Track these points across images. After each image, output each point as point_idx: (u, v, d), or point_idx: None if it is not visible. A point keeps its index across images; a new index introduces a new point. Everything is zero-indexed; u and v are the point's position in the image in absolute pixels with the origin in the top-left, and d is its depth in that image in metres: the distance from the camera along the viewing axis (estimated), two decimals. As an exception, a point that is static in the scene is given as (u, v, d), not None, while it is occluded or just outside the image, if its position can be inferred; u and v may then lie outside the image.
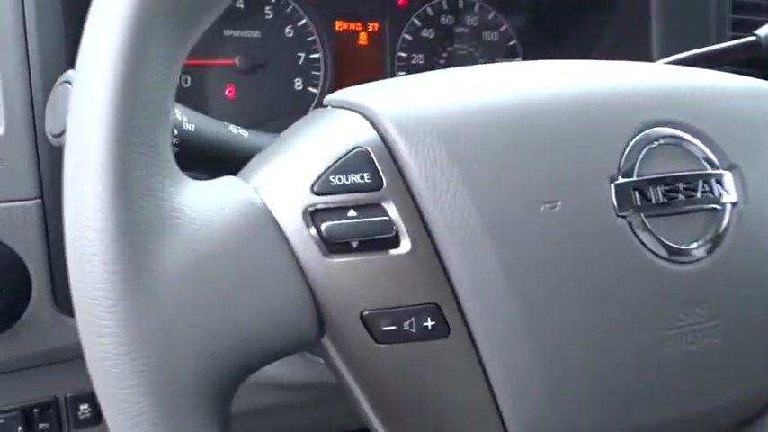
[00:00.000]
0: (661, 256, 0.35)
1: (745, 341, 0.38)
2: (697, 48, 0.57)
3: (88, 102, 0.28)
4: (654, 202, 0.35)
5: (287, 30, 0.73)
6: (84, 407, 0.62)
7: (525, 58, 0.81)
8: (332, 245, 0.32)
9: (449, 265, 0.33)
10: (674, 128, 0.37)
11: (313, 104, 0.74)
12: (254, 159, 0.35)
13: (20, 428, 0.66)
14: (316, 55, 0.74)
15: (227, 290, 0.30)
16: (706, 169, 0.37)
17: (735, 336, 0.37)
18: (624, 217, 0.35)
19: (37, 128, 0.52)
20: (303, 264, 0.32)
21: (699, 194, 0.36)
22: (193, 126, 0.44)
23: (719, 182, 0.37)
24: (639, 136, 0.36)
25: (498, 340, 0.33)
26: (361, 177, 0.32)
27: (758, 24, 0.57)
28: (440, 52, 0.78)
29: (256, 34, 0.72)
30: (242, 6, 0.71)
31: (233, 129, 0.48)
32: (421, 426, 0.34)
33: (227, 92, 0.72)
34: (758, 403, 0.40)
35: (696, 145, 0.37)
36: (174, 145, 0.43)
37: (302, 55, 0.74)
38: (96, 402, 0.32)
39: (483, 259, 0.33)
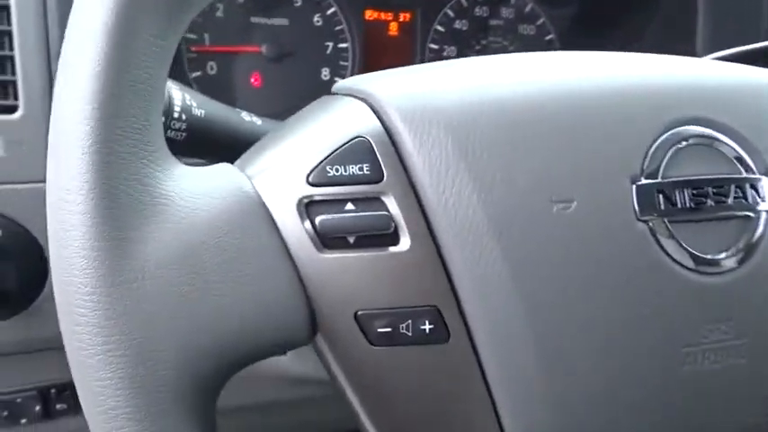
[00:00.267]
0: (685, 266, 0.33)
1: None
2: (744, 45, 0.53)
3: (71, 80, 0.27)
4: (680, 206, 0.33)
5: (315, 18, 0.71)
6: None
7: (562, 54, 0.78)
8: (327, 239, 0.30)
9: (451, 266, 0.31)
10: (706, 126, 0.34)
11: (339, 95, 0.73)
12: (253, 147, 0.34)
13: (37, 408, 0.66)
14: (344, 44, 0.72)
15: (213, 282, 0.28)
16: (740, 173, 0.34)
17: (762, 356, 0.34)
18: (645, 222, 0.32)
19: (55, 110, 0.52)
20: (296, 258, 0.30)
21: (730, 200, 0.33)
22: (203, 112, 0.43)
23: (754, 187, 0.34)
24: (667, 134, 0.33)
25: (501, 348, 0.31)
26: (360, 169, 0.30)
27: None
28: (473, 45, 0.76)
29: (284, 22, 0.70)
30: (270, -7, 0.70)
31: (245, 116, 0.47)
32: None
33: (252, 80, 0.71)
34: None
35: (730, 146, 0.34)
36: (182, 130, 0.42)
37: (330, 44, 0.72)
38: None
39: (488, 261, 0.30)
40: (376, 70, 0.74)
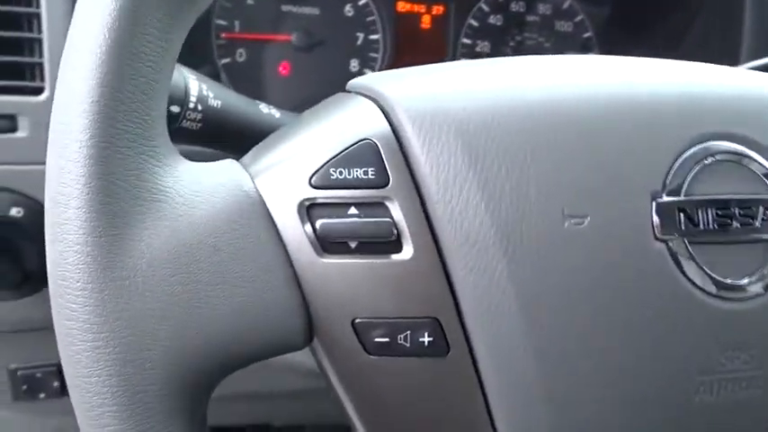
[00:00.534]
0: (705, 291, 0.31)
1: None
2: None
3: (72, 71, 0.27)
4: (702, 227, 0.31)
5: (347, 8, 0.70)
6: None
7: (601, 54, 0.75)
8: (327, 244, 0.29)
9: (454, 278, 0.29)
10: (735, 142, 0.32)
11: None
12: (260, 144, 0.33)
13: (55, 384, 0.67)
14: (375, 36, 0.71)
15: (206, 283, 0.28)
16: None
17: None
18: (664, 241, 0.30)
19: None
20: (294, 262, 0.30)
21: (758, 222, 0.31)
22: (220, 103, 0.43)
23: None
24: (693, 149, 0.31)
25: (503, 365, 0.30)
26: (365, 172, 0.29)
27: None
28: (507, 41, 0.74)
29: (315, 11, 0.69)
30: (303, -18, 0.69)
31: (264, 108, 0.46)
32: None
33: (281, 69, 0.70)
34: None
35: (761, 163, 0.32)
36: (198, 121, 0.42)
37: (361, 35, 0.71)
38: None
39: (492, 275, 0.29)
40: (406, 63, 0.73)
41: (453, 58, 0.73)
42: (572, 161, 0.30)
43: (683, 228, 0.31)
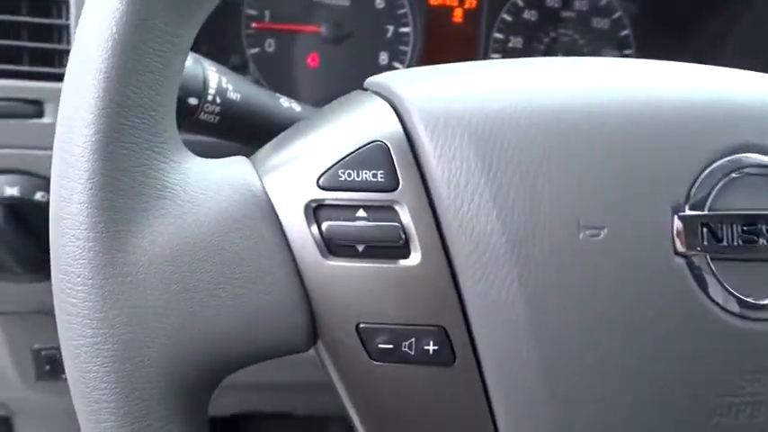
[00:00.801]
0: (727, 309, 0.29)
1: None
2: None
3: (79, 65, 0.27)
4: (725, 243, 0.29)
5: (378, 0, 0.69)
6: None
7: (638, 53, 0.73)
8: (333, 246, 0.29)
9: (462, 286, 0.29)
10: (767, 155, 0.30)
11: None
12: (271, 142, 0.33)
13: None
14: (405, 29, 0.70)
15: (209, 282, 0.28)
16: None
17: None
18: (685, 257, 0.29)
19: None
20: (299, 263, 0.29)
21: None
22: (239, 95, 0.42)
23: None
24: (721, 161, 0.30)
25: (510, 378, 0.29)
26: (374, 175, 0.29)
27: None
28: (541, 37, 0.72)
29: (345, 2, 0.69)
30: (334, -28, 0.69)
31: (284, 102, 0.46)
32: None
33: (309, 60, 0.69)
34: None
35: None
36: (216, 113, 0.41)
37: (391, 28, 0.70)
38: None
39: (502, 285, 0.28)
40: (437, 58, 0.72)
41: (485, 54, 0.72)
42: (590, 169, 0.29)
43: (705, 243, 0.29)
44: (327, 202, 0.29)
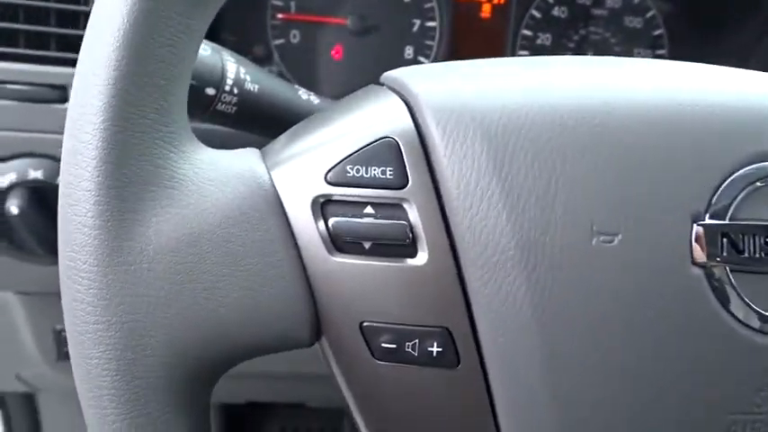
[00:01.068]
0: (746, 324, 0.28)
1: None
2: None
3: (90, 53, 0.27)
4: (747, 254, 0.28)
5: (405, -7, 0.69)
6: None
7: (671, 53, 0.71)
8: (340, 242, 0.28)
9: (469, 288, 0.28)
10: None
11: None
12: (283, 135, 0.32)
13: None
14: (432, 23, 0.69)
15: (212, 273, 0.27)
16: None
17: None
18: (703, 267, 0.28)
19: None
20: (305, 258, 0.29)
21: None
22: (257, 87, 0.42)
23: None
24: (746, 169, 0.29)
25: (515, 386, 0.28)
26: (383, 172, 0.28)
27: None
28: (570, 35, 0.70)
29: (373, -5, 0.68)
30: (361, -36, 0.68)
31: (303, 94, 0.46)
32: None
33: (333, 52, 0.69)
34: None
35: None
36: (233, 104, 0.41)
37: (417, 22, 0.69)
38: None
39: (510, 288, 0.28)
40: (463, 53, 0.71)
41: (512, 50, 0.70)
42: (606, 173, 0.28)
43: (725, 254, 0.28)
44: (335, 198, 0.28)
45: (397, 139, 0.28)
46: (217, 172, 0.29)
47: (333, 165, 0.28)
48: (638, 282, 0.28)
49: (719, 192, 0.28)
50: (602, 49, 0.71)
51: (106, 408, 0.27)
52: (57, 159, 0.54)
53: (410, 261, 0.28)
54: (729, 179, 0.29)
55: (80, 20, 0.54)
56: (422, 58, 0.70)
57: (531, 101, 0.28)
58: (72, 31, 0.53)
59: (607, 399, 0.28)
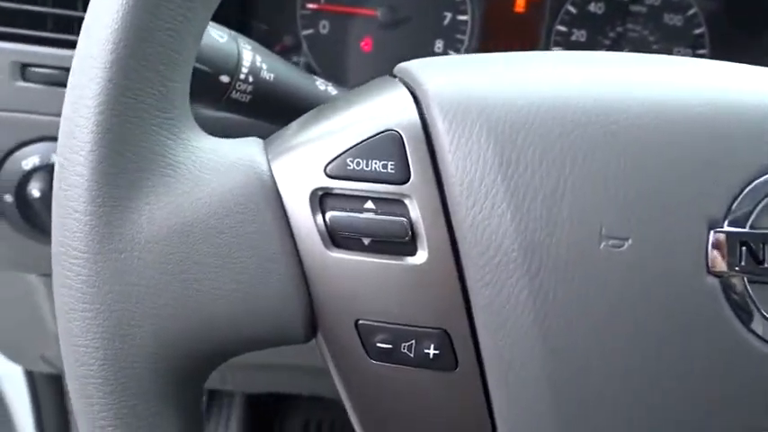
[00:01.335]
0: (764, 338, 0.27)
1: None
2: None
3: (88, 36, 0.26)
4: (767, 265, 0.26)
5: (436, -15, 0.67)
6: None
7: (712, 54, 0.68)
8: (337, 237, 0.28)
9: (470, 290, 0.27)
10: None
11: (450, 70, 0.68)
12: (288, 125, 0.32)
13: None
14: (463, 17, 0.68)
15: (205, 264, 0.27)
16: None
17: None
18: (719, 277, 0.26)
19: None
20: (301, 252, 0.28)
21: None
22: (273, 75, 0.41)
23: None
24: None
25: (515, 394, 0.27)
26: (384, 166, 0.27)
27: None
28: (606, 31, 0.68)
29: (403, -14, 0.67)
30: (390, -45, 0.67)
31: (320, 84, 0.45)
32: None
33: (362, 44, 0.68)
34: None
35: None
36: (248, 93, 0.41)
37: (449, 15, 0.68)
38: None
39: (512, 292, 0.26)
40: (494, 48, 0.69)
41: (546, 46, 0.68)
42: (617, 174, 0.26)
43: (743, 264, 0.26)
44: (334, 192, 0.28)
45: (400, 132, 0.27)
46: (215, 161, 0.28)
47: (333, 157, 0.28)
48: (648, 289, 0.26)
49: (740, 198, 0.27)
50: (639, 48, 0.68)
51: (92, 397, 0.27)
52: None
53: (409, 259, 0.27)
54: (751, 185, 0.27)
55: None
56: (452, 52, 0.68)
57: (543, 96, 0.27)
58: (81, 13, 0.53)
59: (612, 412, 0.27)
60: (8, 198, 0.54)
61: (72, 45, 0.53)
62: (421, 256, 0.27)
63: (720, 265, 0.26)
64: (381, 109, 0.29)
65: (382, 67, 0.69)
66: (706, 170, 0.27)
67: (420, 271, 0.27)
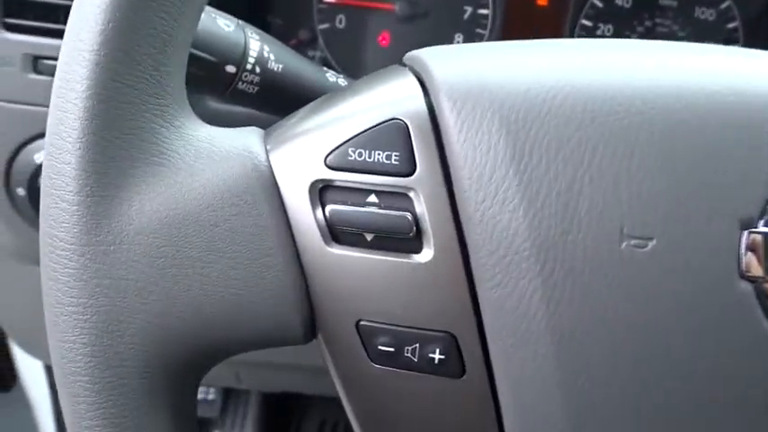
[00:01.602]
0: None
1: None
2: None
3: (77, 17, 0.25)
4: (807, 270, 0.24)
5: (457, -22, 0.65)
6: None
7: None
8: (338, 232, 0.26)
9: (478, 291, 0.25)
10: None
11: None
12: (290, 115, 0.30)
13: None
14: (484, 11, 0.66)
15: (198, 259, 0.25)
16: None
17: None
18: (754, 281, 0.24)
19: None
20: (300, 249, 0.26)
21: None
22: (281, 66, 0.40)
23: None
24: None
25: (527, 401, 0.25)
26: (388, 157, 0.26)
27: None
28: (634, 26, 0.66)
29: (424, -20, 0.65)
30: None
31: (330, 76, 0.43)
32: None
33: (380, 39, 0.67)
34: None
35: None
36: (255, 83, 0.39)
37: (469, 9, 0.66)
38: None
39: (523, 294, 0.25)
40: (516, 43, 0.67)
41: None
42: (641, 169, 0.24)
43: None
44: (335, 184, 0.26)
45: (406, 121, 0.26)
46: (211, 150, 0.27)
47: (333, 147, 0.26)
48: (673, 294, 0.24)
49: None
50: (668, 43, 0.66)
51: (79, 395, 0.25)
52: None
53: (414, 257, 0.26)
54: None
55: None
56: (472, 47, 0.66)
57: (559, 83, 0.25)
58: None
59: (634, 428, 0.25)
60: (21, 191, 0.53)
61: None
62: (426, 254, 0.25)
63: (756, 269, 0.24)
64: (386, 97, 0.27)
65: (400, 62, 0.68)
66: (738, 164, 0.24)
67: (425, 269, 0.25)
